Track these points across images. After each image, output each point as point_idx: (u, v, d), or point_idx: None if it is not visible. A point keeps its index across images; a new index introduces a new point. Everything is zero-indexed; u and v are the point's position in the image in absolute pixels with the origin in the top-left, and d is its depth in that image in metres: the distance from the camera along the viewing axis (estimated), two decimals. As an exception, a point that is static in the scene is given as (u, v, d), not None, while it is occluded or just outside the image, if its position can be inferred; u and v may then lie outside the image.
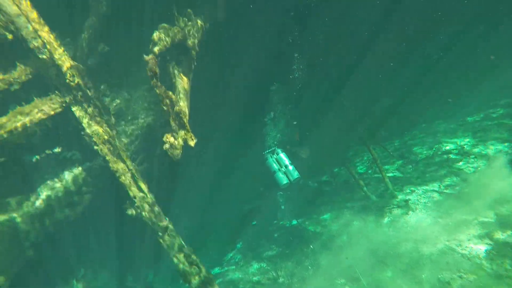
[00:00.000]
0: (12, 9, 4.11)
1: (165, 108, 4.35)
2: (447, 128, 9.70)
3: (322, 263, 6.32)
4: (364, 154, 10.05)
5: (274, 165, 7.43)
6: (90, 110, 5.07)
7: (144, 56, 4.20)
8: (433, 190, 6.72)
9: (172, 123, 4.45)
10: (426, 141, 9.25)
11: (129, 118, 6.00)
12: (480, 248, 4.72)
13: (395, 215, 6.59)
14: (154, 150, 6.06)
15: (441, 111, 10.63)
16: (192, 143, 4.51)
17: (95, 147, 5.15)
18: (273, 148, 7.85)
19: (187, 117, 4.65)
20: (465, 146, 7.89)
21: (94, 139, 5.14)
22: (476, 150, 7.52)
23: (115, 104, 5.91)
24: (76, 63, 4.77)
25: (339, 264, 6.02)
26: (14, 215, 5.04)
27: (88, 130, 5.14)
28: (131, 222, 5.63)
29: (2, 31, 4.15)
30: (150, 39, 4.53)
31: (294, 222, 8.37)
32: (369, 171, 9.02)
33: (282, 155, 7.57)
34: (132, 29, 5.34)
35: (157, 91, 4.29)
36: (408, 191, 7.15)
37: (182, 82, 4.92)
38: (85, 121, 5.15)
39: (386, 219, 6.60)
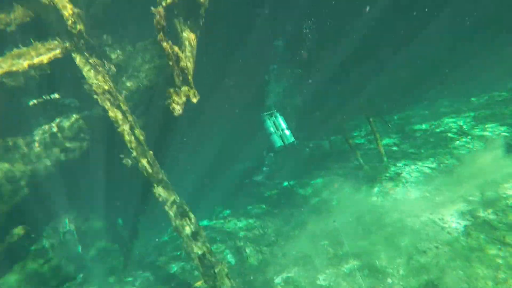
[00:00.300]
0: None
1: (170, 63, 4.29)
2: (449, 107, 9.67)
3: (309, 224, 6.63)
4: (363, 126, 10.10)
5: (271, 127, 7.57)
6: (91, 59, 4.98)
7: (152, 8, 4.05)
8: (426, 166, 6.88)
9: (176, 79, 4.42)
10: (426, 118, 9.28)
11: (131, 70, 5.90)
12: (460, 223, 4.98)
13: (385, 186, 6.81)
14: (154, 104, 6.05)
15: (445, 90, 10.51)
16: (194, 100, 4.51)
17: (95, 97, 5.13)
18: (272, 111, 7.94)
19: (192, 73, 4.60)
20: (464, 126, 7.94)
21: (94, 89, 5.11)
22: (475, 131, 7.58)
23: (117, 56, 5.78)
24: (78, 10, 4.59)
25: (325, 227, 6.33)
26: (11, 156, 5.14)
27: (88, 79, 5.08)
28: (125, 170, 5.79)
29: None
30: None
31: (285, 183, 8.62)
32: (366, 142, 9.14)
33: (280, 119, 7.70)
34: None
35: (163, 45, 4.20)
36: (401, 164, 7.32)
37: (189, 38, 4.80)
38: (85, 69, 5.08)
39: (376, 189, 6.83)
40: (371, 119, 7.80)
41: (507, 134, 6.92)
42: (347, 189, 7.27)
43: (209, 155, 8.43)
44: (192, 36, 5.12)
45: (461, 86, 10.21)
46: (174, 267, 6.52)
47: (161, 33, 4.37)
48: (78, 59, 5.06)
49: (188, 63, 4.77)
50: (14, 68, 4.33)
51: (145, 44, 6.17)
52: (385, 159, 7.64)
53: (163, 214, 5.13)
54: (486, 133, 7.30)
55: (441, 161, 6.84)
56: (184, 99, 4.53)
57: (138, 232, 6.59)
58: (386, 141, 8.71)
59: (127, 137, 4.96)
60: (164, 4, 4.49)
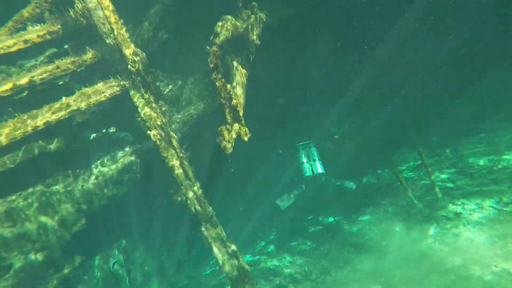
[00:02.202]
0: (90, -3, 4.25)
1: (222, 101, 4.33)
2: (512, 140, 8.86)
3: (358, 265, 6.20)
4: (411, 159, 9.52)
5: (303, 157, 7.63)
6: (146, 95, 5.19)
7: (208, 47, 4.17)
8: (491, 207, 6.24)
9: (227, 116, 4.43)
10: (485, 152, 8.53)
11: (181, 104, 6.09)
12: (547, 279, 4.35)
13: (443, 227, 6.25)
14: (202, 138, 6.14)
15: (505, 121, 9.68)
16: (245, 137, 4.48)
17: (148, 132, 5.29)
18: (307, 142, 7.96)
19: (242, 110, 4.61)
20: (534, 162, 7.22)
21: (147, 124, 5.27)
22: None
23: (168, 90, 6.02)
24: (137, 49, 4.87)
25: (376, 269, 5.88)
26: (71, 188, 5.43)
27: (142, 115, 5.28)
28: (173, 204, 5.85)
29: (79, 18, 4.33)
30: (213, 29, 4.49)
31: (331, 219, 8.25)
32: (416, 177, 8.57)
33: (314, 150, 7.73)
34: (193, 18, 5.33)
35: (217, 83, 4.27)
36: (459, 203, 6.71)
37: (240, 74, 4.87)
38: (140, 105, 5.29)
39: (432, 230, 6.29)
40: (422, 153, 7.34)
41: None
42: (399, 228, 6.76)
43: (250, 186, 8.33)
44: (243, 72, 5.20)
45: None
46: (217, 305, 6.34)
47: (215, 72, 4.45)
48: (134, 95, 5.30)
49: (239, 100, 4.80)
50: (82, 105, 4.63)
51: (194, 79, 6.39)
52: (440, 196, 7.07)
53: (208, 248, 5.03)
54: (560, 170, 6.57)
55: (509, 202, 6.18)
56: (234, 136, 4.52)
57: (182, 264, 6.53)
58: (439, 176, 8.10)
59: (176, 173, 5.01)
60: (217, 41, 4.62)
